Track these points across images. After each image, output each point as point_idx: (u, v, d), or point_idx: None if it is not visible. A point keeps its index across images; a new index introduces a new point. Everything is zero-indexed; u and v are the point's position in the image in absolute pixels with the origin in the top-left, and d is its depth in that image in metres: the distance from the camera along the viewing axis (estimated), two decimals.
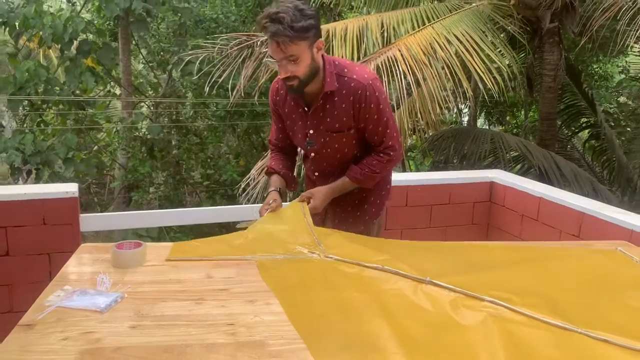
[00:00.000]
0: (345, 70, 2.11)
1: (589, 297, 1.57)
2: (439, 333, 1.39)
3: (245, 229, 2.02)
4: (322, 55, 2.07)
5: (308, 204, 2.16)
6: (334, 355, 1.27)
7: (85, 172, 9.70)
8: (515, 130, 13.64)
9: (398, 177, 3.39)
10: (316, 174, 2.33)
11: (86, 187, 11.26)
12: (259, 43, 5.88)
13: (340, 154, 2.23)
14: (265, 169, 2.40)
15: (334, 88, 2.08)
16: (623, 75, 12.59)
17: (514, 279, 1.65)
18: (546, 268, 1.79)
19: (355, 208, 2.33)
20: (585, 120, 8.82)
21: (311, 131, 2.20)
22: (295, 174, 2.44)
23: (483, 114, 14.29)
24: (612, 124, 9.69)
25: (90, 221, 2.91)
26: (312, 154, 2.27)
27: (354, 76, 2.10)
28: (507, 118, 14.82)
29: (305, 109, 2.18)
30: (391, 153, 2.22)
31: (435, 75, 5.25)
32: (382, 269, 1.68)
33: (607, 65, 13.38)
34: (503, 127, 14.46)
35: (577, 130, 9.37)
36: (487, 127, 13.48)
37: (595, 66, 12.65)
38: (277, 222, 2.05)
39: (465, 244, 2.12)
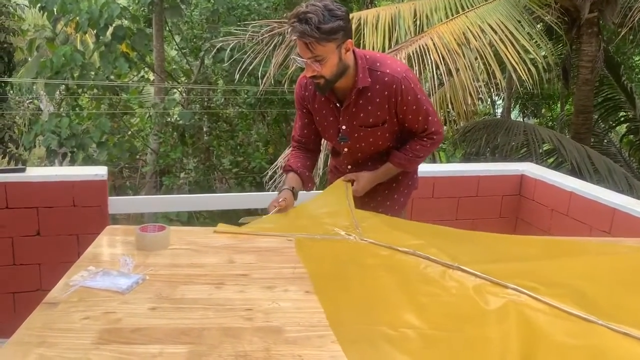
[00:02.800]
0: (378, 64, 2.09)
1: (619, 294, 1.53)
2: (457, 314, 1.41)
3: (247, 223, 2.04)
4: (353, 50, 2.05)
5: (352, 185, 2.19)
6: (355, 337, 1.28)
7: (118, 156, 9.88)
8: (550, 123, 13.35)
9: (425, 168, 3.35)
10: (349, 167, 2.33)
11: (119, 171, 11.46)
12: (290, 30, 5.86)
13: (375, 147, 2.23)
14: (284, 165, 2.39)
15: (367, 84, 2.07)
16: None
17: (543, 271, 1.63)
18: (578, 262, 1.75)
19: (385, 198, 2.32)
20: (624, 114, 8.58)
21: (344, 127, 2.19)
22: (313, 172, 2.44)
23: (517, 106, 14.03)
24: None
25: (118, 204, 2.97)
26: (345, 150, 2.27)
27: (387, 70, 2.08)
28: (543, 111, 14.52)
29: (337, 104, 2.16)
30: (434, 137, 2.23)
31: (468, 66, 5.17)
32: (413, 253, 1.69)
33: None
34: (538, 120, 14.18)
35: (614, 125, 9.13)
36: (522, 120, 13.22)
37: (636, 58, 12.26)
38: (319, 203, 2.11)
39: (502, 236, 2.10)
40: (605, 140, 8.89)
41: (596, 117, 8.51)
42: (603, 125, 8.95)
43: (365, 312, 1.41)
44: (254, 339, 1.25)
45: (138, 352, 1.19)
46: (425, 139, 2.22)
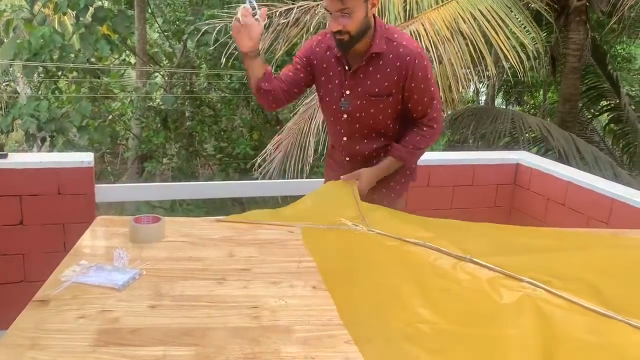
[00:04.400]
0: (396, 35, 2.08)
1: (634, 288, 1.49)
2: (473, 309, 1.36)
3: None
4: (374, 16, 2.04)
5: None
6: (370, 335, 1.23)
7: (99, 141, 9.68)
8: (533, 110, 13.41)
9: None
10: (345, 138, 2.24)
11: (100, 156, 11.25)
12: (277, 14, 5.75)
13: (374, 120, 2.16)
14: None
15: (382, 50, 2.04)
16: None
17: (558, 264, 1.58)
18: (593, 255, 1.71)
19: (381, 185, 2.26)
20: (606, 103, 8.63)
21: (347, 92, 2.14)
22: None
23: (501, 93, 14.05)
24: (634, 108, 9.48)
25: (105, 192, 2.86)
26: (345, 116, 2.19)
27: (404, 42, 2.06)
28: (525, 98, 14.57)
29: (346, 67, 2.12)
30: (434, 125, 2.18)
31: (459, 51, 5.11)
32: (423, 244, 1.64)
33: (630, 47, 13.06)
34: (521, 108, 14.23)
35: (597, 113, 9.18)
36: (505, 107, 13.27)
37: (618, 47, 12.35)
38: (324, 197, 2.08)
39: (511, 227, 2.06)
40: (589, 129, 8.94)
41: (580, 105, 8.55)
42: (587, 114, 9.00)
43: (378, 308, 1.35)
44: (261, 340, 1.18)
45: (140, 355, 1.11)
46: (425, 128, 2.17)
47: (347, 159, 2.28)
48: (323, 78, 2.19)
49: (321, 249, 1.66)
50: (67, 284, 1.38)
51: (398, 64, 2.04)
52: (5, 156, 2.66)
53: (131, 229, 1.68)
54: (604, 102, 8.77)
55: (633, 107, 9.19)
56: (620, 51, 12.77)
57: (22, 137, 10.16)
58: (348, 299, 1.37)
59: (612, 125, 8.87)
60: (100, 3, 9.38)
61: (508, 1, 5.73)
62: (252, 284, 1.44)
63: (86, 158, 2.70)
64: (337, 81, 2.15)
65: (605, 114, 8.98)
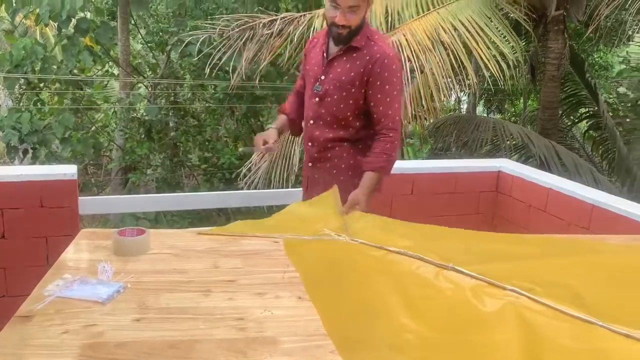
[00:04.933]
0: (376, 37, 2.27)
1: (615, 294, 1.51)
2: (457, 317, 1.38)
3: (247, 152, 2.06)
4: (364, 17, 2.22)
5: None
6: (355, 345, 1.25)
7: (82, 153, 9.59)
8: (513, 118, 13.57)
9: (404, 165, 3.33)
10: (311, 122, 2.37)
11: (83, 167, 11.15)
12: (260, 25, 5.78)
13: (337, 108, 2.27)
14: (279, 107, 2.59)
15: (360, 45, 2.20)
16: (624, 66, 12.50)
17: (540, 271, 1.60)
18: (575, 261, 1.73)
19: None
20: (585, 110, 8.76)
21: (322, 77, 2.30)
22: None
23: (482, 102, 14.20)
24: (612, 114, 9.63)
25: (89, 204, 2.84)
26: (316, 99, 2.32)
27: (381, 44, 2.24)
28: (506, 106, 14.73)
29: (324, 55, 2.28)
30: (391, 134, 2.25)
31: (440, 61, 5.17)
32: (405, 253, 1.64)
33: (607, 55, 13.29)
34: (502, 116, 14.39)
35: (577, 120, 9.31)
36: (486, 115, 13.42)
37: (595, 56, 12.57)
38: (307, 207, 2.13)
39: (493, 234, 2.09)
40: (569, 136, 9.07)
41: (560, 112, 8.67)
42: (566, 121, 9.12)
43: (362, 318, 1.36)
44: (248, 352, 1.19)
45: None
46: (391, 134, 2.26)
47: (309, 144, 2.40)
48: (307, 67, 2.41)
49: (303, 258, 1.67)
50: (50, 298, 1.37)
51: (368, 58, 2.19)
52: None
53: (115, 242, 1.67)
54: (583, 110, 8.90)
55: (611, 114, 9.36)
56: (597, 59, 12.99)
57: (4, 150, 10.04)
58: (332, 309, 1.38)
59: (591, 132, 9.01)
60: (82, 14, 9.33)
61: (488, 11, 5.82)
62: (238, 296, 1.44)
63: (69, 170, 2.68)
64: (316, 68, 2.33)
65: (585, 121, 9.12)
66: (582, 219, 2.77)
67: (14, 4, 8.83)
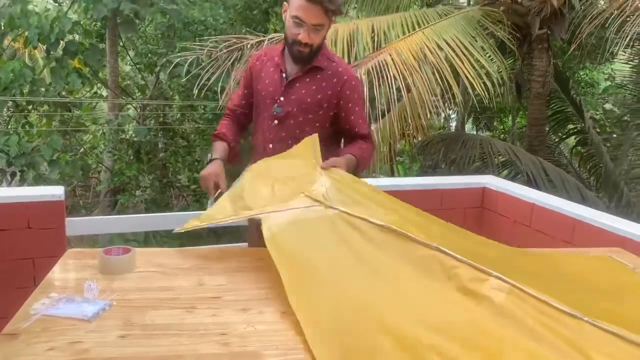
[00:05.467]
0: (336, 58, 2.29)
1: (583, 303, 1.54)
2: (445, 320, 1.39)
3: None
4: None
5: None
6: (332, 347, 1.27)
7: (70, 175, 9.57)
8: (502, 135, 13.70)
9: (390, 182, 3.37)
10: (270, 145, 2.26)
11: (71, 189, 11.11)
12: (249, 46, 5.85)
13: (300, 130, 2.21)
14: (215, 132, 2.36)
15: (322, 65, 2.19)
16: (609, 83, 12.70)
17: (516, 274, 1.59)
18: (538, 274, 1.74)
19: None
20: (573, 127, 8.88)
21: (282, 98, 2.23)
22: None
23: (471, 119, 14.34)
24: (598, 131, 9.76)
25: (76, 225, 2.85)
26: (275, 122, 2.24)
27: (344, 65, 2.28)
28: (495, 124, 14.88)
29: (284, 75, 2.23)
30: (364, 146, 2.27)
31: (426, 80, 5.25)
32: (388, 227, 1.62)
33: (592, 72, 13.50)
34: (491, 133, 14.52)
35: (564, 137, 9.43)
36: (475, 133, 13.54)
37: (581, 73, 12.77)
38: (284, 160, 2.05)
39: (470, 234, 2.04)
40: (557, 152, 9.17)
41: (547, 129, 8.78)
42: (554, 138, 9.23)
43: (343, 321, 1.37)
44: None
45: None
46: (364, 145, 2.28)
47: None
48: (259, 86, 2.29)
49: (283, 251, 1.64)
50: (36, 316, 1.38)
51: (335, 80, 2.20)
52: None
53: (101, 261, 1.69)
54: (570, 126, 9.02)
55: (598, 130, 9.48)
56: (583, 77, 13.18)
57: None
58: (312, 312, 1.40)
59: (579, 148, 9.12)
60: (71, 37, 9.38)
61: (472, 31, 5.93)
62: (222, 312, 1.46)
63: (56, 191, 2.70)
64: (271, 88, 2.25)
65: (573, 137, 9.23)
66: (565, 233, 2.81)
67: (2, 27, 8.88)
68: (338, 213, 1.72)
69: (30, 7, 9.35)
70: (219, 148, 2.28)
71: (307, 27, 2.06)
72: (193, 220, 1.89)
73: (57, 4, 10.78)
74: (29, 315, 1.39)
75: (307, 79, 2.20)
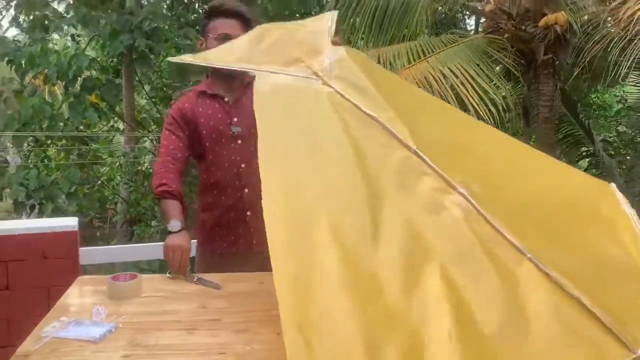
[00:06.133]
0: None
1: (553, 223, 1.40)
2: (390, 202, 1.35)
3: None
4: None
5: None
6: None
7: (87, 207, 9.78)
8: None
9: None
10: (242, 165, 2.22)
11: (89, 221, 11.31)
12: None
13: None
14: (161, 186, 2.12)
15: (251, 80, 2.16)
16: (621, 105, 12.71)
17: (496, 178, 1.49)
18: (527, 182, 1.54)
19: None
20: (584, 149, 8.90)
21: (235, 119, 2.24)
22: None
23: None
24: (612, 153, 9.75)
25: (89, 254, 2.95)
26: (239, 141, 2.22)
27: None
28: None
29: (226, 99, 2.25)
30: None
31: None
32: (377, 119, 1.47)
33: (604, 95, 13.51)
34: None
35: (577, 160, 9.44)
36: None
37: (593, 96, 12.79)
38: (299, 26, 1.87)
39: (475, 123, 1.91)
40: None
41: (559, 152, 8.80)
42: (565, 160, 9.24)
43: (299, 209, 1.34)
44: None
45: None
46: None
47: (246, 190, 2.22)
48: (202, 120, 2.24)
49: (269, 120, 1.52)
50: (47, 339, 1.48)
51: None
52: None
53: (108, 286, 1.78)
54: (582, 149, 9.04)
55: (612, 152, 9.47)
56: (595, 99, 13.19)
57: (11, 206, 10.24)
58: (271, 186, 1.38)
59: (593, 170, 9.13)
60: (89, 73, 9.69)
61: (477, 59, 6.04)
62: (221, 333, 1.54)
63: (70, 222, 2.81)
64: (219, 115, 2.25)
65: (586, 160, 9.23)
66: None
67: (24, 66, 9.21)
68: (332, 92, 1.56)
69: (50, 45, 9.71)
70: (177, 211, 2.10)
71: (224, 39, 2.08)
72: (187, 56, 1.89)
73: (75, 42, 11.15)
74: (40, 337, 1.49)
75: (249, 97, 2.06)
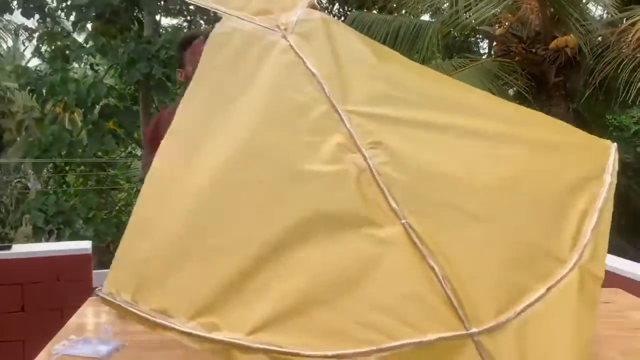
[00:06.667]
0: None
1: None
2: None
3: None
4: None
5: None
6: None
7: (105, 232, 9.91)
8: None
9: None
10: None
11: (106, 246, 11.44)
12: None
13: None
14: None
15: None
16: (639, 127, 12.64)
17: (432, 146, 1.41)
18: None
19: None
20: None
21: None
22: None
23: None
24: (630, 174, 9.67)
25: (103, 277, 3.01)
26: None
27: None
28: None
29: None
30: None
31: None
32: (315, 74, 1.43)
33: (621, 116, 13.43)
34: None
35: None
36: None
37: (609, 117, 12.73)
38: None
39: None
40: None
41: None
42: None
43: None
44: None
45: None
46: None
47: None
48: None
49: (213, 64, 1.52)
50: (57, 356, 1.53)
51: None
52: (9, 247, 2.86)
53: None
54: None
55: (630, 174, 9.39)
56: (612, 120, 13.12)
57: (31, 232, 10.43)
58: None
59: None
60: (107, 100, 9.92)
61: (488, 82, 6.10)
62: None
63: (84, 246, 2.89)
64: None
65: None
66: None
67: (44, 94, 9.47)
68: (287, 47, 1.49)
69: (70, 74, 9.98)
70: None
71: None
72: None
73: (94, 71, 11.44)
74: (51, 355, 1.54)
75: None
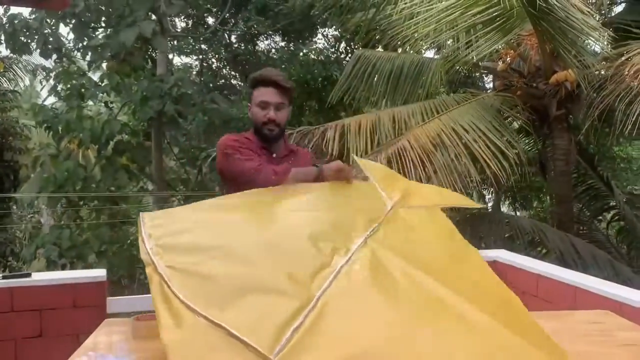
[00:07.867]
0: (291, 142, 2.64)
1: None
2: None
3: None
4: None
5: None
6: None
7: (117, 265, 10.05)
8: (542, 214, 13.62)
9: None
10: None
11: (117, 280, 11.56)
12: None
13: None
14: (275, 175, 2.23)
15: (295, 149, 2.56)
16: None
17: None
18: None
19: None
20: (606, 202, 8.90)
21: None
22: None
23: (507, 199, 14.37)
24: (639, 205, 9.68)
25: (116, 303, 3.16)
26: None
27: (304, 149, 2.83)
28: (535, 203, 14.79)
29: (274, 155, 2.41)
30: None
31: (444, 164, 5.53)
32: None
33: (627, 147, 13.49)
34: (529, 212, 14.46)
35: (600, 212, 9.40)
36: (514, 213, 13.53)
37: (616, 149, 12.80)
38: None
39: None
40: (592, 227, 9.12)
41: (580, 205, 8.81)
42: (588, 213, 9.22)
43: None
44: None
45: None
46: None
47: None
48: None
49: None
50: None
51: (303, 158, 2.50)
52: (29, 275, 3.02)
53: (132, 326, 1.97)
54: (604, 201, 9.03)
55: (638, 206, 9.42)
56: (618, 152, 13.18)
57: (44, 266, 10.59)
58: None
59: (615, 222, 9.09)
60: (120, 137, 10.20)
61: (489, 116, 6.24)
62: None
63: (99, 273, 3.04)
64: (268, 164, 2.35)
65: (612, 212, 9.20)
66: (568, 301, 2.95)
67: (60, 131, 9.77)
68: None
69: (85, 111, 10.29)
70: (303, 170, 2.30)
71: (272, 106, 2.33)
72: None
73: (108, 108, 11.76)
74: None
75: (291, 158, 2.43)
